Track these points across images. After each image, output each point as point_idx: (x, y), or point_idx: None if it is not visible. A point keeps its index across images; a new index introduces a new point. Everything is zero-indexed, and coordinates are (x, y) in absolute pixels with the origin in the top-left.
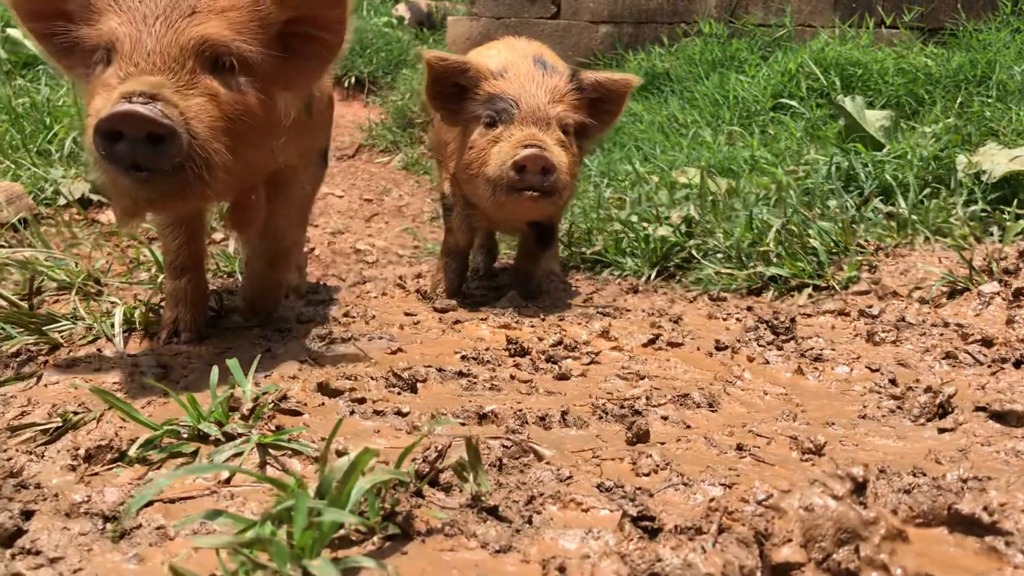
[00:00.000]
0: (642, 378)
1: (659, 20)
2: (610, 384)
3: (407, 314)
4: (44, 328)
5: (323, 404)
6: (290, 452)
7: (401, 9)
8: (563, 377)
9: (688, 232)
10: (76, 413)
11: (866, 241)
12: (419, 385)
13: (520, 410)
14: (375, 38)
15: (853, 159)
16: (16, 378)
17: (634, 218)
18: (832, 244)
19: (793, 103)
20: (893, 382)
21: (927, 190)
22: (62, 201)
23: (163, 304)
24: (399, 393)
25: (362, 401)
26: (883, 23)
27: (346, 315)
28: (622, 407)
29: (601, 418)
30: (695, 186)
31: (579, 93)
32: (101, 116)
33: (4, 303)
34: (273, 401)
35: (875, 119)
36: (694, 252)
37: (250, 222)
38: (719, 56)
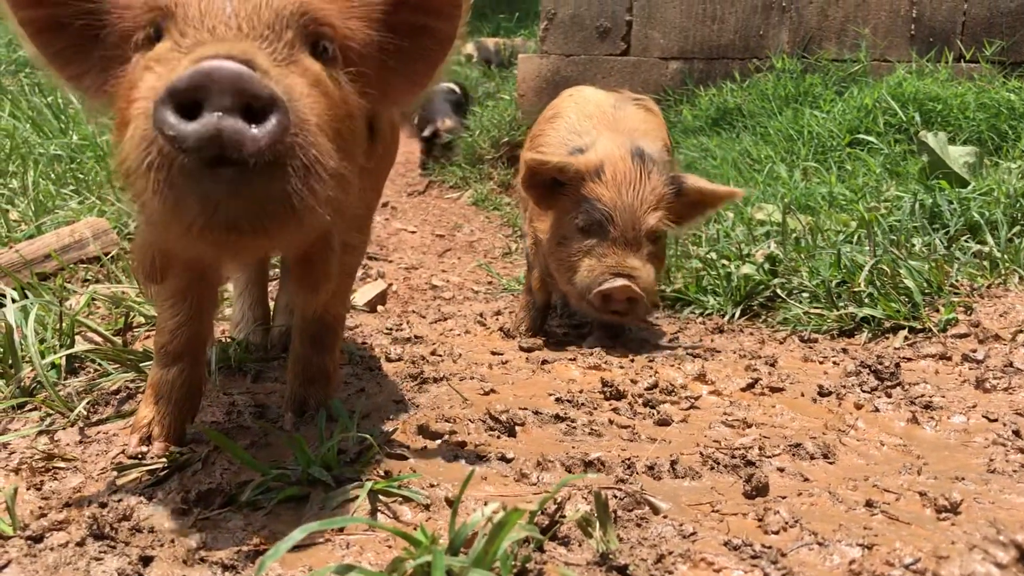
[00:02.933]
0: (749, 426)
1: (730, 56)
2: (715, 431)
3: (493, 353)
4: (141, 365)
5: (425, 448)
6: (400, 499)
7: (470, 47)
8: (664, 423)
9: (772, 270)
10: (182, 454)
11: (958, 281)
12: (518, 429)
13: (627, 458)
14: (444, 76)
15: (938, 196)
16: (117, 415)
17: (713, 255)
18: (924, 284)
19: (870, 139)
20: (1017, 434)
21: (1016, 227)
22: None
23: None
24: (498, 437)
25: (463, 445)
26: (962, 57)
27: (433, 354)
28: (733, 456)
29: (713, 468)
30: (774, 223)
31: (677, 198)
32: (171, 80)
33: (99, 338)
34: (379, 444)
35: (958, 155)
36: (779, 291)
37: (322, 280)
38: (792, 91)
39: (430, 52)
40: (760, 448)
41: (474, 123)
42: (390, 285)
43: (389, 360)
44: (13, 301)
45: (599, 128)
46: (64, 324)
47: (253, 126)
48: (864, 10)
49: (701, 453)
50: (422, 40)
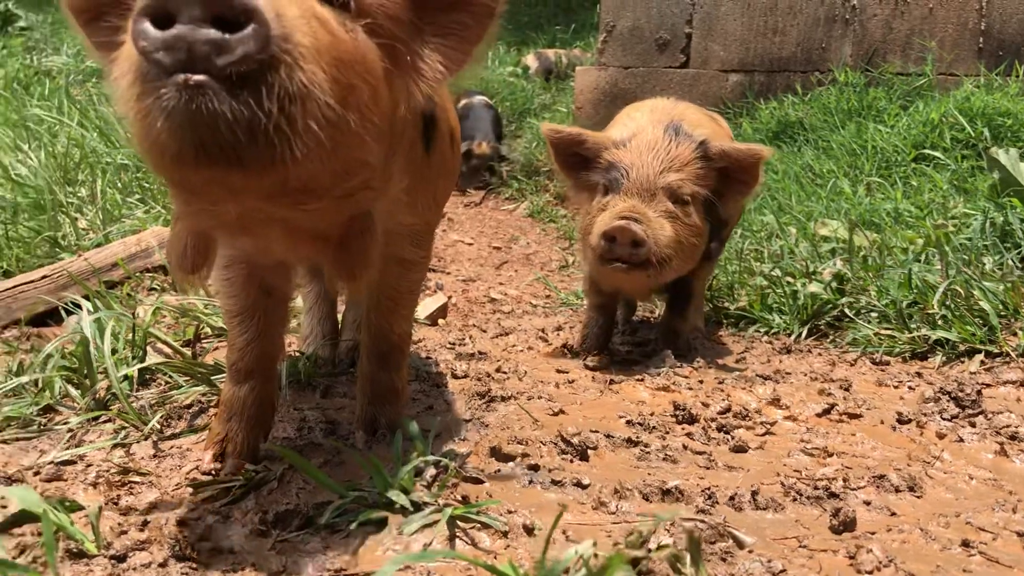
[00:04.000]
0: (829, 455)
1: (792, 68)
2: (795, 460)
3: (559, 371)
4: (213, 378)
5: (499, 471)
6: (478, 525)
7: (529, 59)
8: (740, 449)
9: (839, 289)
10: (257, 472)
11: None
12: (590, 452)
13: (706, 488)
14: (500, 87)
15: (1010, 214)
16: (190, 430)
17: (778, 272)
18: (1000, 306)
19: (936, 154)
20: None
21: None
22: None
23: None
24: (572, 461)
25: (536, 468)
26: None
27: (498, 371)
28: (816, 488)
29: (795, 500)
30: (840, 239)
31: (705, 163)
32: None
33: (168, 350)
34: (454, 467)
35: None
36: (846, 310)
37: (360, 266)
38: (855, 105)
39: (467, 28)
40: (844, 479)
41: (530, 134)
42: (449, 297)
43: (455, 377)
44: (89, 312)
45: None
46: (136, 336)
47: (226, 35)
48: (930, 23)
49: (782, 483)
50: (459, 14)
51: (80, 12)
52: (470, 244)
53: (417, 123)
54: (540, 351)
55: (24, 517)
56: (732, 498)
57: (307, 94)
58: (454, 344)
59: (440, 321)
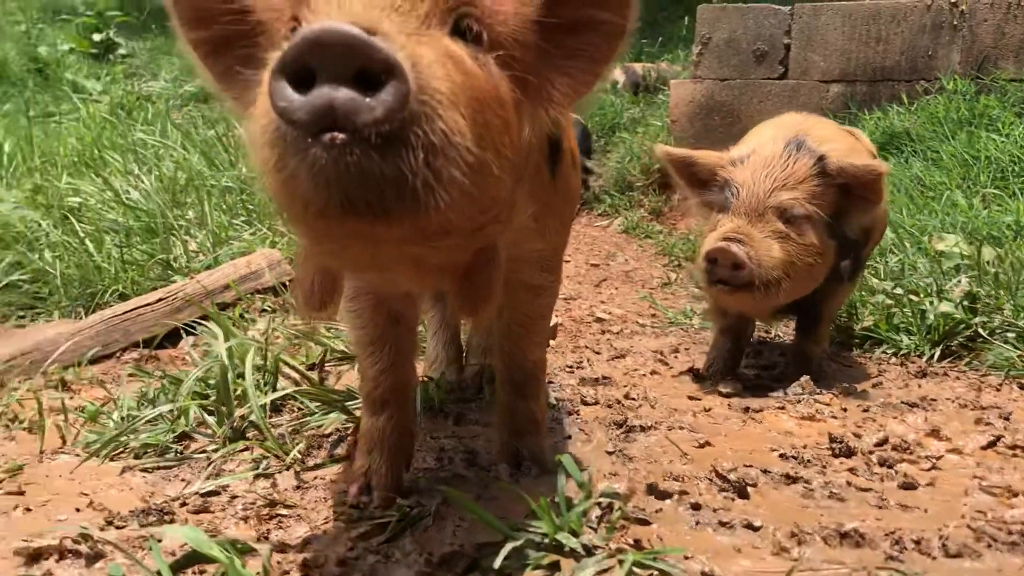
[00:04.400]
0: (1014, 494)
1: (896, 78)
2: (975, 499)
3: (691, 398)
4: (347, 405)
5: (661, 510)
6: (656, 572)
7: (616, 73)
8: (909, 487)
9: (971, 307)
10: (411, 507)
11: None
12: (750, 489)
13: (889, 531)
14: (588, 102)
15: None
16: (331, 460)
17: (899, 290)
18: None
19: None
20: None
21: None
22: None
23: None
24: (732, 499)
25: (698, 507)
26: None
27: (627, 397)
28: (1010, 533)
29: (990, 546)
30: (964, 255)
31: (823, 180)
32: (284, 50)
33: (296, 375)
34: (619, 506)
35: None
36: (980, 330)
37: (483, 300)
38: (966, 114)
39: (596, 48)
40: None
41: (623, 148)
42: (558, 319)
43: (585, 403)
44: (221, 338)
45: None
46: (267, 362)
47: (368, 95)
48: None
49: (969, 527)
50: (587, 35)
51: (200, 45)
52: (567, 261)
53: (543, 148)
54: (664, 375)
55: (193, 558)
56: (919, 543)
57: (449, 144)
58: (572, 367)
59: (551, 342)
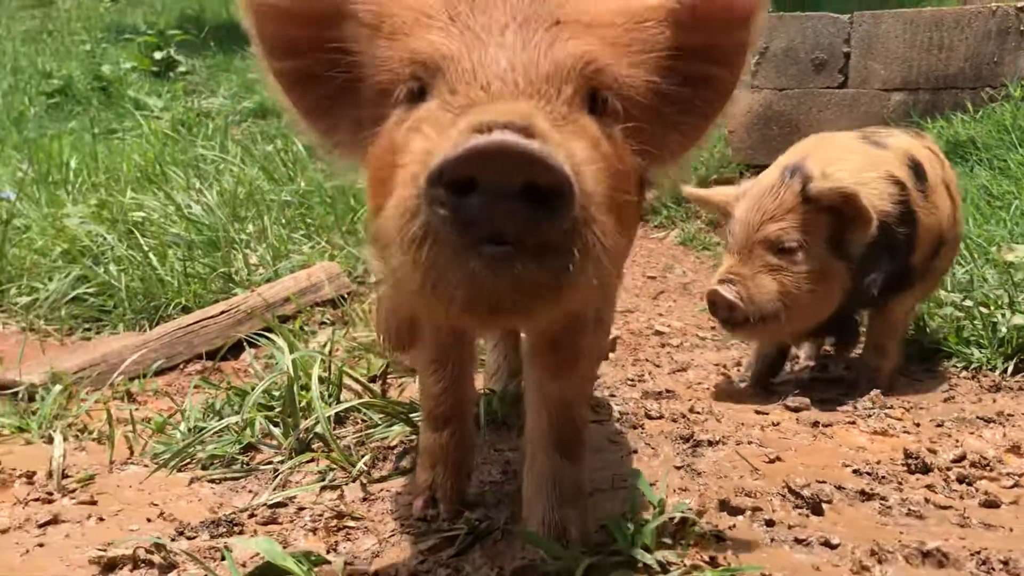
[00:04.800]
0: None
1: (960, 85)
2: None
3: (757, 412)
4: (411, 416)
5: (734, 526)
6: None
7: None
8: (991, 504)
9: None
10: (479, 521)
11: None
12: (824, 506)
13: (974, 551)
14: None
15: None
16: (397, 472)
17: (969, 302)
18: None
19: None
20: None
21: None
22: (373, 279)
23: (417, 459)
24: (807, 516)
25: (772, 524)
26: None
27: (692, 411)
28: None
29: None
30: None
31: (810, 204)
32: (445, 156)
33: (358, 386)
34: (692, 522)
35: None
36: None
37: (567, 366)
38: None
39: (708, 104)
40: None
41: None
42: (617, 332)
43: (649, 417)
44: (287, 350)
45: None
46: (331, 374)
47: (536, 210)
48: None
49: None
50: (701, 90)
51: (285, 75)
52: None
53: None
54: (726, 388)
55: (269, 570)
56: (1006, 563)
57: (599, 243)
58: (634, 381)
59: (610, 355)
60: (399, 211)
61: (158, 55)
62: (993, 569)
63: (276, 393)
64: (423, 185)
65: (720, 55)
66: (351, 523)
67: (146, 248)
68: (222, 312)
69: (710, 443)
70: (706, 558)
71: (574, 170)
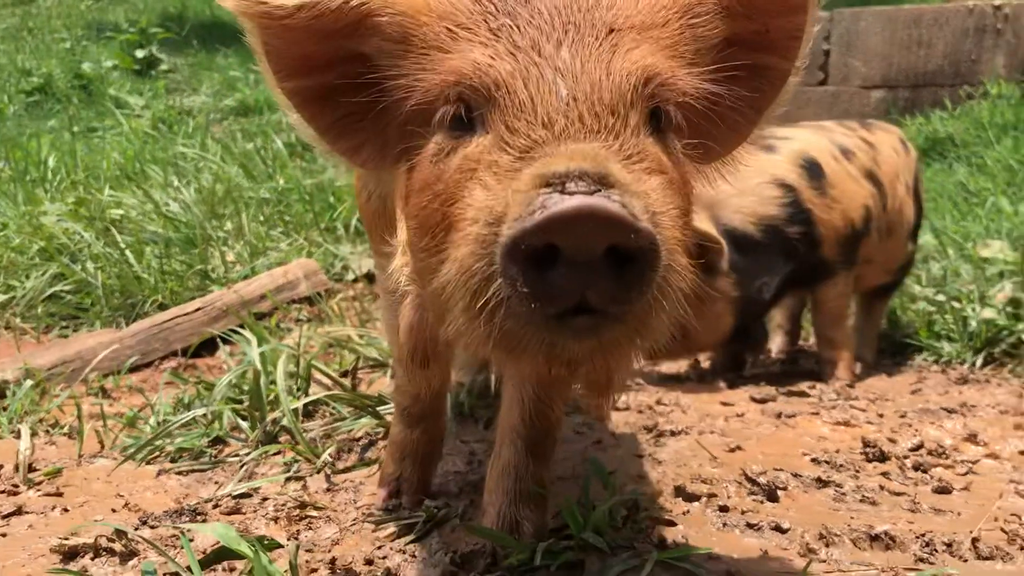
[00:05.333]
0: None
1: (939, 83)
2: (1010, 503)
3: (724, 403)
4: (379, 410)
5: (688, 512)
6: (681, 572)
7: None
8: (943, 491)
9: (1014, 314)
10: (438, 508)
11: None
12: (780, 493)
13: (920, 534)
14: None
15: None
16: (361, 463)
17: (942, 297)
18: None
19: None
20: None
21: None
22: (350, 276)
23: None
24: (762, 502)
25: (726, 509)
26: None
27: (659, 402)
28: None
29: (1023, 548)
30: (1008, 262)
31: None
32: (522, 226)
33: (328, 381)
34: (643, 507)
35: None
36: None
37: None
38: (1011, 119)
39: (761, 96)
40: None
41: None
42: None
43: (616, 409)
44: (256, 345)
45: None
46: (300, 368)
47: (621, 275)
48: None
49: (1003, 529)
50: (753, 82)
51: (299, 94)
52: None
53: None
54: (696, 380)
55: (222, 554)
56: (950, 545)
57: (678, 288)
58: None
59: None
60: (465, 277)
61: (140, 53)
62: (936, 551)
63: (245, 387)
64: (498, 260)
65: (774, 43)
66: (313, 513)
67: (123, 246)
68: (198, 309)
69: (673, 433)
70: (655, 541)
71: (654, 222)
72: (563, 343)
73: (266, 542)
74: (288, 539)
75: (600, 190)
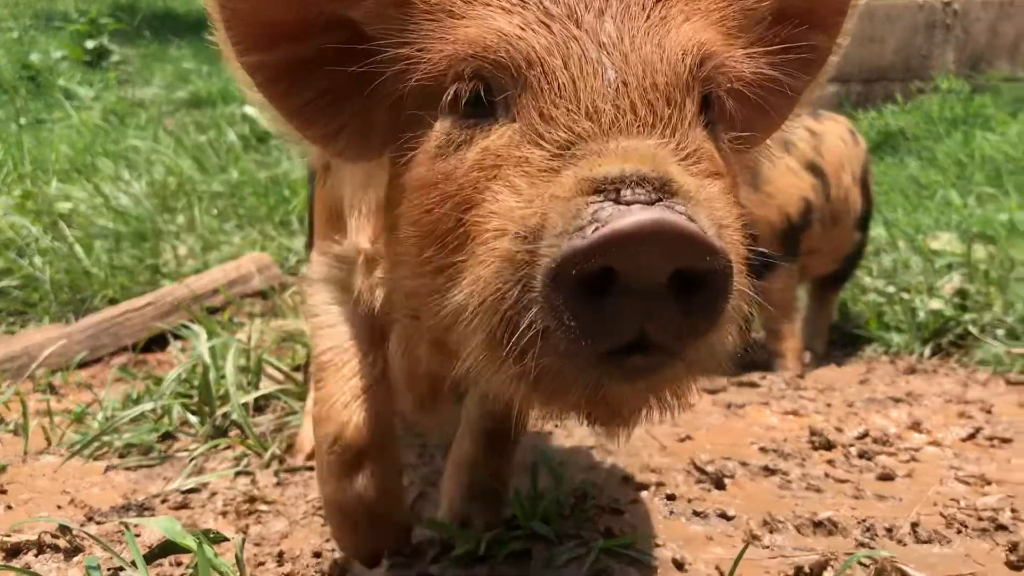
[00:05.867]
0: (988, 483)
1: (891, 77)
2: (950, 488)
3: None
4: None
5: (636, 500)
6: (627, 560)
7: None
8: (887, 477)
9: (961, 305)
10: None
11: None
12: (727, 481)
13: (862, 519)
14: None
15: None
16: (312, 457)
17: (892, 288)
18: None
19: None
20: None
21: None
22: (305, 270)
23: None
24: (709, 490)
25: (673, 498)
26: None
27: None
28: (980, 519)
29: (960, 532)
30: (956, 253)
31: None
32: (572, 246)
33: (280, 375)
34: (591, 496)
35: None
36: (970, 328)
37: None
38: (960, 113)
39: (799, 78)
40: (1011, 510)
41: None
42: None
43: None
44: (205, 339)
45: None
46: (251, 362)
47: (689, 303)
48: None
49: (942, 514)
50: (795, 60)
51: (264, 69)
52: None
53: None
54: None
55: (168, 548)
56: (890, 530)
57: (742, 308)
58: None
59: None
60: (491, 303)
61: (90, 44)
62: (877, 535)
63: (196, 382)
64: (539, 283)
65: (820, 18)
66: (263, 507)
67: (72, 240)
68: (148, 304)
69: None
70: (602, 529)
71: (722, 238)
72: (611, 385)
73: (212, 535)
74: (236, 533)
75: (662, 199)
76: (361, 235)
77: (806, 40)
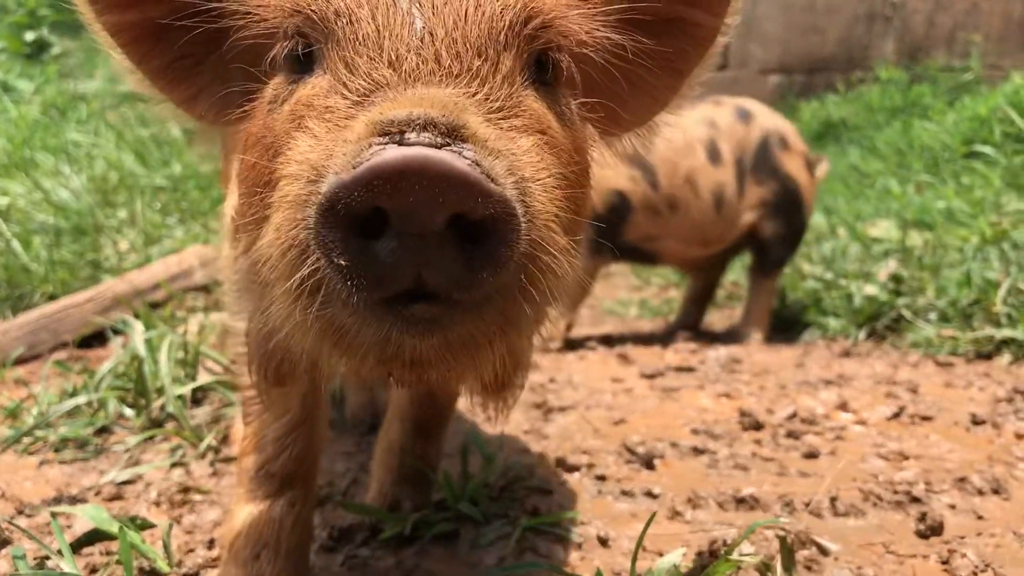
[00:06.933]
0: (906, 458)
1: (833, 67)
2: (870, 465)
3: (614, 380)
4: None
5: (565, 482)
6: (552, 537)
7: None
8: (811, 455)
9: (895, 290)
10: (322, 487)
11: None
12: (656, 461)
13: (782, 495)
14: None
15: None
16: None
17: (830, 275)
18: None
19: (986, 150)
20: None
21: None
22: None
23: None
24: (638, 470)
25: (603, 479)
26: None
27: (552, 381)
28: (896, 492)
29: (876, 505)
30: (893, 240)
31: None
32: (340, 179)
33: (219, 368)
34: (521, 479)
35: None
36: (904, 312)
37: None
38: (900, 103)
39: (683, 56)
40: (925, 483)
41: None
42: None
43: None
44: (142, 331)
45: None
46: (188, 355)
47: (471, 252)
48: (975, 16)
49: (860, 489)
50: (673, 40)
51: (121, 30)
52: None
53: None
54: (591, 361)
55: (95, 536)
56: (809, 505)
57: (549, 273)
58: None
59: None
60: (280, 246)
61: (29, 36)
62: (796, 510)
63: (133, 375)
64: (312, 222)
65: None
66: (197, 497)
67: (9, 236)
68: (88, 300)
69: (561, 409)
70: (529, 509)
71: (520, 188)
72: (399, 338)
73: (139, 522)
74: (171, 522)
75: (449, 144)
76: (229, 203)
77: (685, 17)
